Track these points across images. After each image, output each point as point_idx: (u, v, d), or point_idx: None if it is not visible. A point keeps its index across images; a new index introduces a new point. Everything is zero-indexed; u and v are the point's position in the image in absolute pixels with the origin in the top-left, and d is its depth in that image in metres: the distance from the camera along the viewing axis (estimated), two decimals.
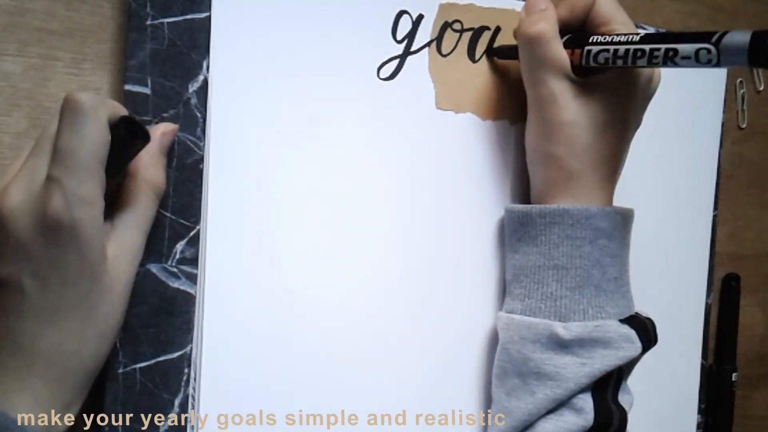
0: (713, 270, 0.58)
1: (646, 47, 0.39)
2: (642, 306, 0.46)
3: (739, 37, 0.35)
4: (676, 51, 0.38)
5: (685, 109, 0.56)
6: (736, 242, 0.62)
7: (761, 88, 0.63)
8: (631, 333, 0.43)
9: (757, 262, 0.63)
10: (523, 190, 0.49)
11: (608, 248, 0.43)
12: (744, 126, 0.63)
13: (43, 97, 0.40)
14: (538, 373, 0.43)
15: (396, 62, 0.45)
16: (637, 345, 0.43)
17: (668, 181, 0.55)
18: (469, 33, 0.47)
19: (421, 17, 0.46)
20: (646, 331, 0.43)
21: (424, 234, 0.46)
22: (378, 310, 0.45)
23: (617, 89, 0.43)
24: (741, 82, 0.62)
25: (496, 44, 0.48)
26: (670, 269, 0.56)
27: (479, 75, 0.48)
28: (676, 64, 0.39)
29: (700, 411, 0.58)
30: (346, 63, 0.44)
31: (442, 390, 0.47)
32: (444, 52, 0.47)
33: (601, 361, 0.42)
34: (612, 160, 0.44)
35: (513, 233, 0.46)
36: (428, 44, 0.46)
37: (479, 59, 0.48)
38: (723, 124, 0.59)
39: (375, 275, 0.45)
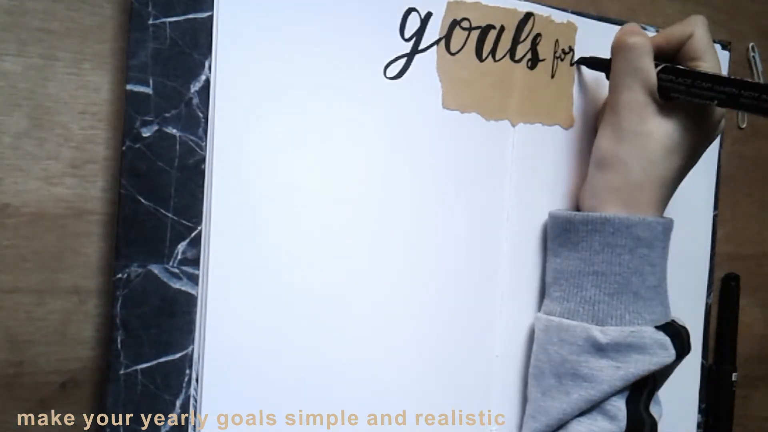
0: (713, 270, 0.59)
1: (729, 89, 0.42)
2: None
3: None
4: (758, 98, 0.41)
5: None
6: (736, 242, 0.62)
7: None
8: (666, 340, 0.44)
9: (757, 262, 0.63)
10: (523, 190, 0.49)
11: (648, 257, 0.45)
12: (744, 126, 0.63)
13: (43, 97, 0.39)
14: (574, 374, 0.44)
15: (403, 61, 0.45)
16: (671, 352, 0.44)
17: None
18: (477, 32, 0.47)
19: (429, 15, 0.46)
20: (680, 338, 0.45)
21: (427, 235, 0.46)
22: (379, 310, 0.45)
23: (693, 118, 0.45)
24: None
25: (499, 46, 0.48)
26: (670, 269, 0.56)
27: (486, 75, 0.48)
28: (746, 110, 0.42)
29: (700, 411, 0.58)
30: (352, 62, 0.43)
31: (442, 390, 0.47)
32: (453, 50, 0.46)
33: (636, 366, 0.43)
34: (672, 182, 0.46)
35: (555, 238, 0.48)
36: (437, 42, 0.46)
37: (486, 59, 0.48)
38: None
39: (377, 275, 0.45)
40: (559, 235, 0.48)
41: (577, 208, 0.50)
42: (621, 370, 0.43)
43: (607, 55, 0.48)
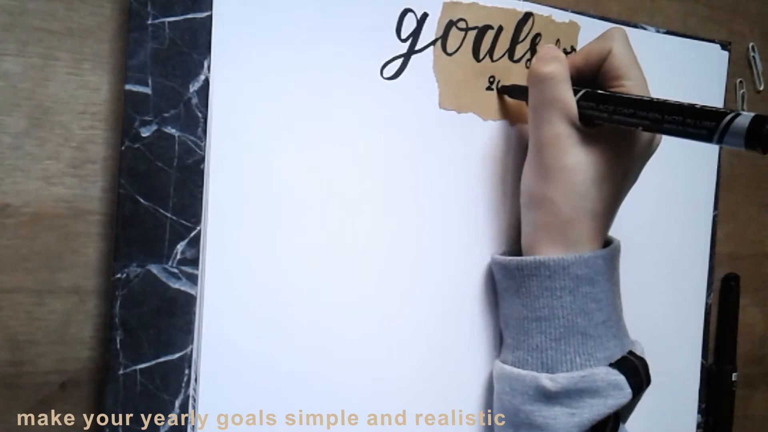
0: (713, 270, 0.59)
1: (650, 114, 0.39)
2: (643, 306, 0.46)
3: (743, 121, 0.35)
4: (683, 122, 0.37)
5: None
6: (736, 242, 0.62)
7: (761, 88, 0.63)
8: (620, 379, 0.42)
9: (757, 262, 0.63)
10: (516, 190, 0.49)
11: (591, 294, 0.43)
12: None
13: (43, 97, 0.39)
14: (529, 424, 0.42)
15: (400, 61, 0.45)
16: (627, 391, 0.42)
17: (668, 181, 0.55)
18: (474, 32, 0.47)
19: (425, 15, 0.46)
20: (636, 374, 0.43)
21: (425, 234, 0.46)
22: (378, 310, 0.45)
23: (620, 142, 0.43)
24: (741, 82, 0.62)
25: (497, 46, 0.48)
26: (670, 269, 0.56)
27: (482, 75, 0.48)
28: (671, 134, 0.38)
29: (700, 411, 0.58)
30: (349, 62, 0.43)
31: (442, 390, 0.47)
32: (449, 50, 0.46)
33: (591, 411, 0.41)
34: (606, 212, 0.43)
35: (499, 283, 0.47)
36: (433, 43, 0.46)
37: (483, 59, 0.48)
38: None
39: (375, 275, 0.45)
40: (501, 281, 0.46)
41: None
42: (576, 416, 0.41)
43: None
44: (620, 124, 0.41)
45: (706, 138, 0.36)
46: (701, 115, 0.36)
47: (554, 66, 0.43)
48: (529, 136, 0.44)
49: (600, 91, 0.42)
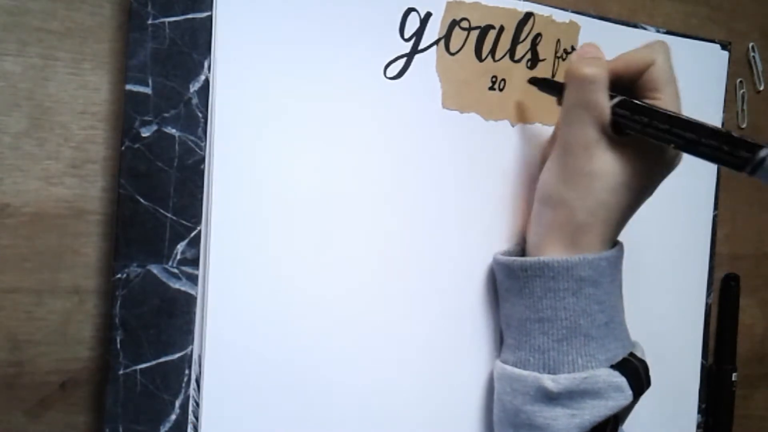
0: (713, 270, 0.58)
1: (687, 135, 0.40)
2: (643, 306, 0.46)
3: None
4: (718, 148, 0.38)
5: (685, 109, 0.56)
6: (736, 242, 0.62)
7: (761, 88, 0.63)
8: (622, 381, 0.42)
9: (757, 262, 0.63)
10: (522, 190, 0.49)
11: (595, 295, 0.43)
12: (744, 126, 0.63)
13: (43, 97, 0.39)
14: (530, 424, 0.42)
15: (403, 61, 0.45)
16: (628, 393, 0.42)
17: (668, 181, 0.55)
18: (476, 32, 0.47)
19: (429, 15, 0.46)
20: (637, 376, 0.43)
21: (427, 234, 0.46)
22: (380, 311, 0.45)
23: (647, 155, 0.43)
24: (741, 82, 0.62)
25: (499, 46, 0.48)
26: (670, 269, 0.56)
27: (484, 74, 0.48)
28: (703, 157, 0.39)
29: (700, 411, 0.58)
30: (352, 62, 0.43)
31: (442, 390, 0.47)
32: (452, 50, 0.46)
33: (591, 413, 0.41)
34: (618, 221, 0.44)
35: (501, 283, 0.47)
36: (436, 42, 0.46)
37: (485, 59, 0.48)
38: (723, 124, 0.59)
39: (378, 276, 0.45)
40: (503, 281, 0.46)
41: (524, 243, 0.48)
42: (576, 417, 0.41)
43: (607, 52, 0.47)
44: (652, 138, 0.41)
45: (738, 167, 0.37)
46: (738, 144, 0.37)
47: (596, 69, 0.42)
48: (558, 136, 0.44)
49: (637, 102, 0.42)
